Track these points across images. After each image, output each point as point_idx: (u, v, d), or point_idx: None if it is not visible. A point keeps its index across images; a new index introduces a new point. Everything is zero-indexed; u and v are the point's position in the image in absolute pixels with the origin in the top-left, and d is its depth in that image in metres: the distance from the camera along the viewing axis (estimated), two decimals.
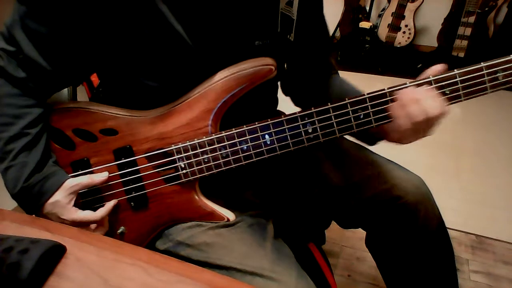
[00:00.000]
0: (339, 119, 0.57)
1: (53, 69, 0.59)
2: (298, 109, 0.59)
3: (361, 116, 0.57)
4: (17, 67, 0.58)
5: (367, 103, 0.56)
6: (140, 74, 0.59)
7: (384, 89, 0.56)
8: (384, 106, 0.56)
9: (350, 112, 0.57)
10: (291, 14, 0.64)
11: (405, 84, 0.55)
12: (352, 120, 0.57)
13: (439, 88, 0.55)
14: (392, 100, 0.56)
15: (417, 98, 0.54)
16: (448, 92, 0.55)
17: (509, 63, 0.53)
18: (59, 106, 0.63)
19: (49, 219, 0.59)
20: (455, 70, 0.54)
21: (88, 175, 0.61)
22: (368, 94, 0.56)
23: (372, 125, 0.57)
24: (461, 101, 0.56)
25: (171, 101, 0.61)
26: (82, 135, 0.62)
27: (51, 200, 0.58)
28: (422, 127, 0.55)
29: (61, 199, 0.58)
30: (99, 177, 0.61)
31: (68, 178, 0.60)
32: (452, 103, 0.56)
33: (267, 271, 0.56)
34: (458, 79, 0.54)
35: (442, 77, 0.55)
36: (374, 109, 0.57)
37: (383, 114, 0.57)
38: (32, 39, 0.56)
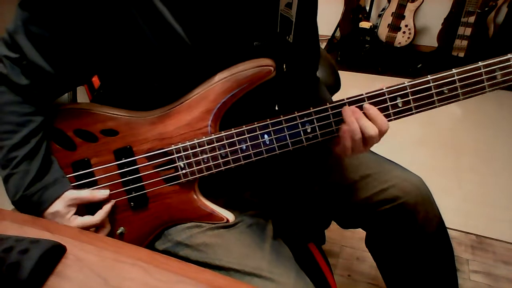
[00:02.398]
0: (337, 119, 0.58)
1: (57, 73, 0.58)
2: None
3: None
4: (20, 74, 0.57)
5: (365, 102, 0.56)
6: (140, 75, 0.59)
7: (382, 89, 0.56)
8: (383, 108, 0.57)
9: None
10: (290, 16, 0.65)
11: (403, 83, 0.55)
12: None
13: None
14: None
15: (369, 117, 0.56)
16: (446, 91, 0.55)
17: (507, 62, 0.53)
18: (60, 107, 0.64)
19: None
20: (453, 69, 0.55)
21: (90, 191, 0.61)
22: (366, 93, 0.56)
23: None
24: (460, 100, 0.56)
25: (171, 102, 0.61)
26: (83, 135, 0.62)
27: (51, 209, 0.58)
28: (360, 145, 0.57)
29: (60, 210, 0.58)
30: (101, 194, 0.61)
31: (68, 189, 0.60)
32: (451, 102, 0.56)
33: (265, 272, 0.57)
34: (456, 78, 0.55)
35: (440, 77, 0.55)
36: None
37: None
38: (36, 44, 0.56)
